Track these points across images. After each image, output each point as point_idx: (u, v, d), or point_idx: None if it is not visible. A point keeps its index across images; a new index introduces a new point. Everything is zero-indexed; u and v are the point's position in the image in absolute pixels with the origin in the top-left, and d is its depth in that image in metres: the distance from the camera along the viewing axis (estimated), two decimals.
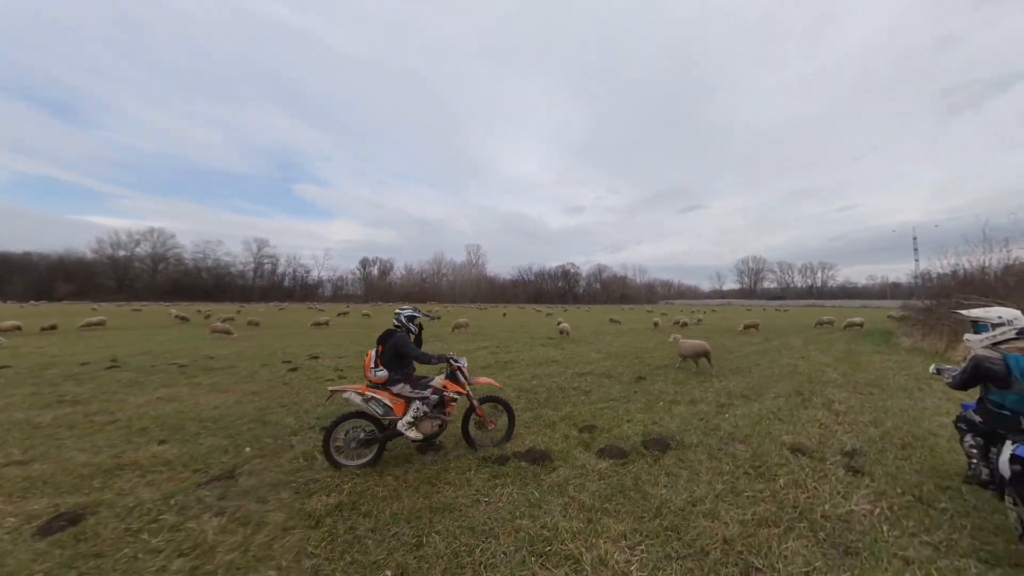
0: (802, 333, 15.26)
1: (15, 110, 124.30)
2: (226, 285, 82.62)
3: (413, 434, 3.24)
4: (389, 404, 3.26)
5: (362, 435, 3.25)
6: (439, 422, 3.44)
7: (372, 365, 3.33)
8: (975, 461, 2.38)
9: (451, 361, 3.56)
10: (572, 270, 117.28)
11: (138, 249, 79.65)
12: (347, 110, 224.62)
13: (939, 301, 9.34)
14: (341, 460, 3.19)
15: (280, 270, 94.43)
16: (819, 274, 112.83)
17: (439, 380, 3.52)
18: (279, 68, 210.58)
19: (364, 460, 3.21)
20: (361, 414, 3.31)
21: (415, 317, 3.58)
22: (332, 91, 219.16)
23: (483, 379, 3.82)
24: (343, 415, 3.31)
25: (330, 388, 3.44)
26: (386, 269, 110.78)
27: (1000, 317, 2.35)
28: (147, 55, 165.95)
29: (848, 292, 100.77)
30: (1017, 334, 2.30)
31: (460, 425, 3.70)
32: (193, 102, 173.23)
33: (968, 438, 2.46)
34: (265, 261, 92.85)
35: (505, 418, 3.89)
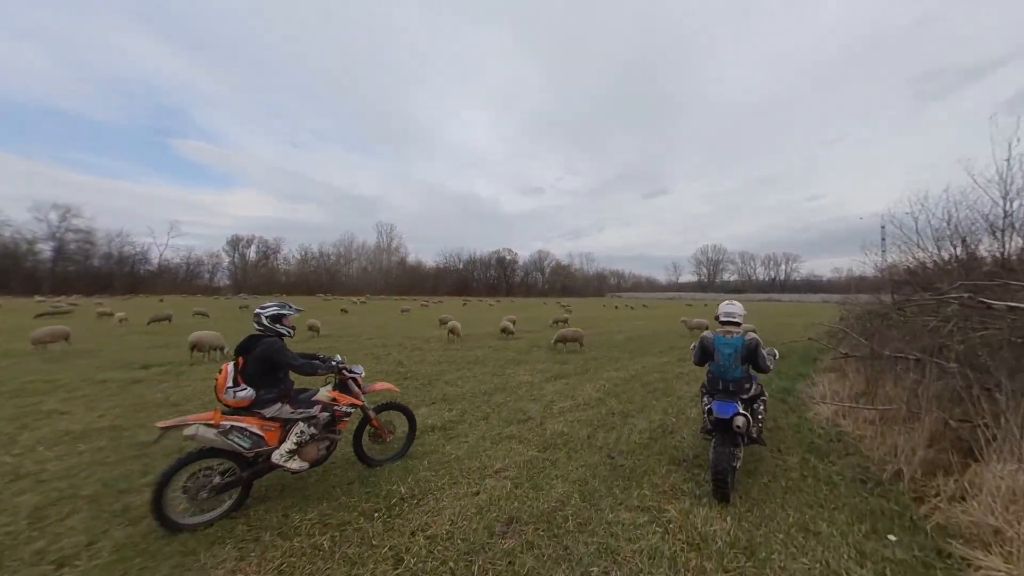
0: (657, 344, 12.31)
1: None
2: (8, 274, 62.31)
3: (296, 464, 2.88)
4: (259, 433, 2.79)
5: (217, 479, 2.69)
6: (327, 443, 3.11)
7: (229, 384, 2.77)
8: (704, 416, 3.27)
9: (343, 370, 3.26)
10: (508, 257, 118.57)
11: None
12: (247, 42, 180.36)
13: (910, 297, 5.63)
14: (183, 519, 2.57)
15: (103, 250, 75.11)
16: (783, 266, 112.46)
17: (326, 392, 3.17)
18: None
19: (219, 511, 2.69)
20: (212, 451, 2.70)
21: (284, 316, 3.05)
22: (224, 12, 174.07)
23: (379, 385, 3.61)
24: (183, 458, 2.65)
25: (159, 425, 2.62)
26: (269, 251, 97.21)
27: (719, 309, 3.41)
28: None
29: (812, 285, 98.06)
30: (720, 321, 3.36)
31: (351, 440, 3.43)
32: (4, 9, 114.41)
33: (705, 399, 3.36)
34: (72, 237, 72.66)
35: (405, 426, 3.71)
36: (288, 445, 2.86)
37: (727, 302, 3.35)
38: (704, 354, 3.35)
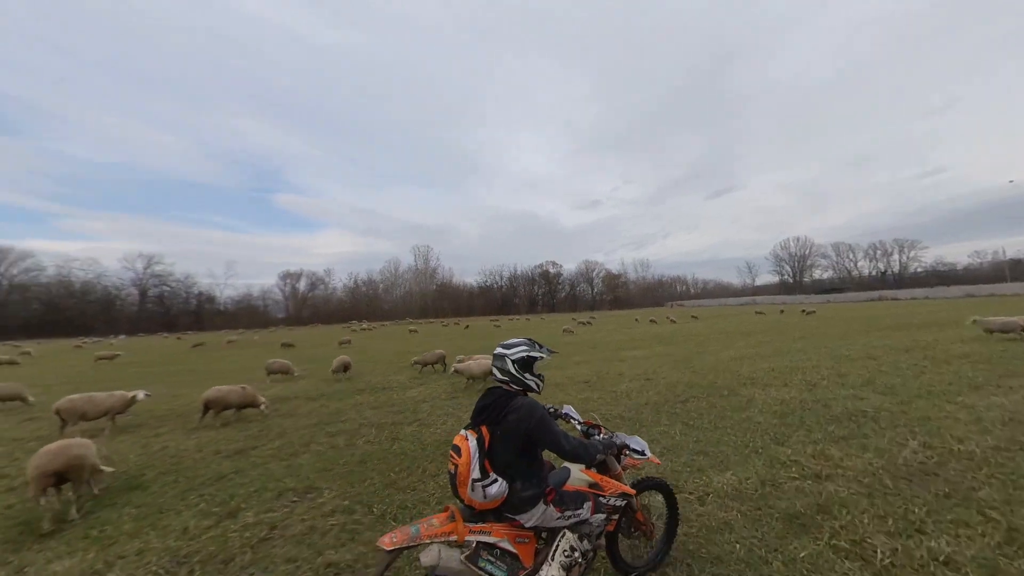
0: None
1: None
2: (110, 315, 77.46)
3: None
4: (512, 551, 1.99)
5: None
6: (592, 553, 2.29)
7: (476, 474, 1.91)
8: None
9: (627, 446, 2.51)
10: (553, 270, 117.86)
11: None
12: (329, 108, 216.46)
13: None
14: None
15: (172, 291, 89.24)
16: (896, 256, 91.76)
17: (580, 474, 2.35)
18: (248, 64, 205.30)
19: None
20: None
21: (534, 360, 2.18)
22: (310, 87, 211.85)
23: (632, 458, 2.60)
24: None
25: (384, 545, 1.79)
26: (316, 282, 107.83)
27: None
28: (92, 51, 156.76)
29: (943, 277, 79.00)
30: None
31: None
32: (147, 103, 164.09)
33: None
34: (153, 282, 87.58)
35: (663, 512, 2.86)
36: (554, 571, 2.03)
37: None
38: None
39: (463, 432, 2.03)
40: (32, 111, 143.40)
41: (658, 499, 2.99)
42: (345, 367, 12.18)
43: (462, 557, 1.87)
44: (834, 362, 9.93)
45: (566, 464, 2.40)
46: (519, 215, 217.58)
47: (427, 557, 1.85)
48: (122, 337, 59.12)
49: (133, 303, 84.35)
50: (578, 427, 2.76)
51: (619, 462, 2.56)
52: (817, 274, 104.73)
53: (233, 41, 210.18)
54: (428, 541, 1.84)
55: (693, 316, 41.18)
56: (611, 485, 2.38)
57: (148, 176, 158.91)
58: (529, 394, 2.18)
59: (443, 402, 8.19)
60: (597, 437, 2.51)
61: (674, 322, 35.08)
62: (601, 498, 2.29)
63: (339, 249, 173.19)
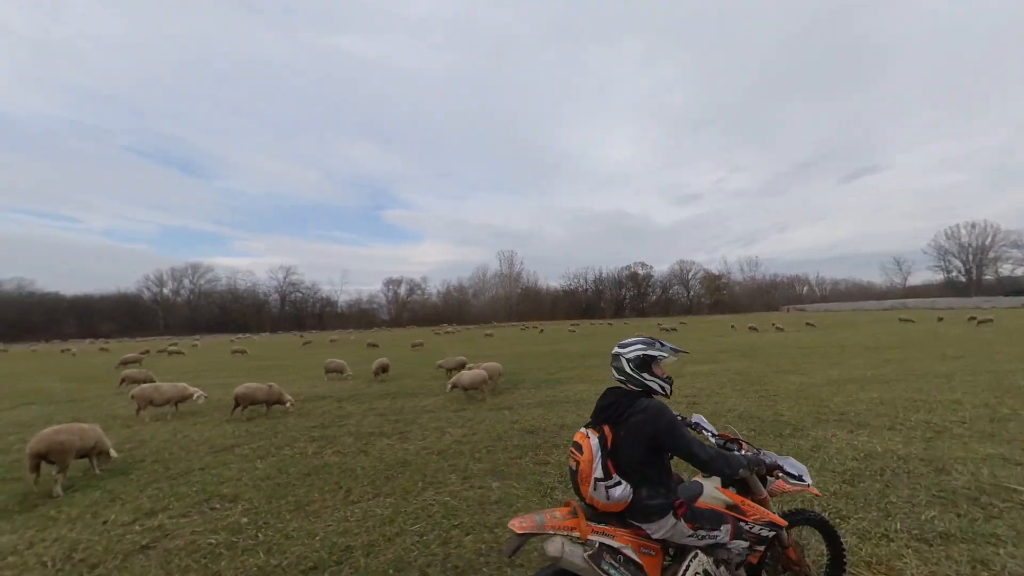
0: None
1: (155, 172, 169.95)
2: (261, 316, 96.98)
3: None
4: (636, 560, 1.90)
5: None
6: None
7: (598, 473, 1.89)
8: None
9: (780, 467, 2.12)
10: (642, 272, 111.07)
11: (189, 283, 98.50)
12: (423, 128, 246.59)
13: None
14: None
15: (301, 297, 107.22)
16: None
17: (716, 492, 2.14)
18: (360, 99, 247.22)
19: None
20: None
21: (653, 359, 2.05)
22: (407, 112, 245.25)
23: (786, 483, 2.19)
24: None
25: (516, 527, 1.88)
26: (414, 288, 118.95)
27: None
28: (247, 108, 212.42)
29: None
30: None
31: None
32: (289, 144, 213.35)
33: None
34: (291, 289, 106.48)
35: (822, 550, 2.50)
36: None
37: None
38: None
39: (584, 430, 2.00)
40: (213, 159, 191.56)
41: (814, 536, 2.54)
42: (383, 368, 12.78)
43: (585, 555, 1.84)
44: (994, 398, 6.99)
45: (697, 478, 2.24)
46: (608, 214, 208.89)
47: (552, 547, 1.86)
48: (251, 335, 72.31)
49: (275, 306, 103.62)
50: (711, 439, 2.45)
51: (764, 485, 2.22)
52: (1006, 269, 78.68)
53: (345, 82, 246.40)
54: (552, 532, 1.86)
55: (808, 323, 34.15)
56: (755, 510, 2.09)
57: (291, 203, 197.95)
58: (655, 396, 2.03)
59: (447, 413, 7.89)
60: (738, 453, 2.20)
61: (780, 330, 29.64)
62: (742, 523, 2.03)
63: (438, 258, 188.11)
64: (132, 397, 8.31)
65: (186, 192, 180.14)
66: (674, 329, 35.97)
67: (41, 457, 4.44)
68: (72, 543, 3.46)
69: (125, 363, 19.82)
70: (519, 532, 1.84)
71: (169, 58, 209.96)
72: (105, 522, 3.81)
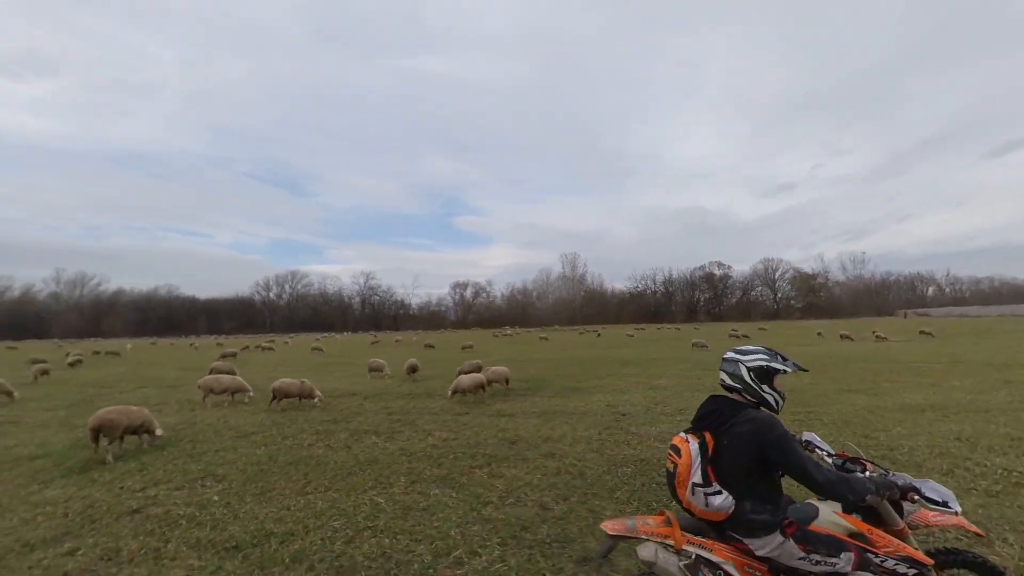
0: None
1: (267, 193, 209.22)
2: (345, 317, 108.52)
3: None
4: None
5: None
6: None
7: (696, 478, 1.85)
8: None
9: (916, 490, 1.80)
10: (719, 272, 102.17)
11: (289, 288, 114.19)
12: (495, 136, 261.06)
13: None
14: None
15: (379, 300, 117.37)
16: None
17: (837, 518, 1.91)
18: (435, 114, 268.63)
19: None
20: None
21: (776, 372, 1.95)
22: (479, 122, 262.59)
23: (938, 517, 1.99)
24: None
25: (608, 528, 1.92)
26: (480, 291, 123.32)
27: None
28: (339, 131, 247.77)
29: None
30: None
31: None
32: (373, 160, 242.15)
33: None
34: (370, 293, 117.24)
35: None
36: None
37: None
38: None
39: (683, 435, 2.01)
40: (312, 178, 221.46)
41: None
42: (413, 369, 13.56)
43: (681, 564, 1.84)
44: None
45: (811, 501, 2.07)
46: (683, 212, 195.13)
47: (645, 552, 1.88)
48: (334, 334, 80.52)
49: (357, 309, 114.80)
50: (827, 459, 2.25)
51: (901, 515, 1.93)
52: None
53: (421, 99, 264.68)
54: (645, 537, 1.90)
55: (923, 331, 28.31)
56: (887, 541, 1.83)
57: (374, 213, 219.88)
58: (763, 409, 1.99)
59: (446, 416, 8.18)
60: (862, 475, 2.01)
61: (881, 339, 25.16)
62: (870, 554, 1.80)
63: (505, 261, 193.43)
64: (198, 386, 9.94)
65: (291, 209, 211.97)
66: (746, 336, 32.44)
67: (97, 431, 5.61)
68: (92, 501, 4.35)
69: (224, 356, 23.56)
70: (611, 533, 1.91)
71: (278, 93, 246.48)
72: (122, 487, 4.70)
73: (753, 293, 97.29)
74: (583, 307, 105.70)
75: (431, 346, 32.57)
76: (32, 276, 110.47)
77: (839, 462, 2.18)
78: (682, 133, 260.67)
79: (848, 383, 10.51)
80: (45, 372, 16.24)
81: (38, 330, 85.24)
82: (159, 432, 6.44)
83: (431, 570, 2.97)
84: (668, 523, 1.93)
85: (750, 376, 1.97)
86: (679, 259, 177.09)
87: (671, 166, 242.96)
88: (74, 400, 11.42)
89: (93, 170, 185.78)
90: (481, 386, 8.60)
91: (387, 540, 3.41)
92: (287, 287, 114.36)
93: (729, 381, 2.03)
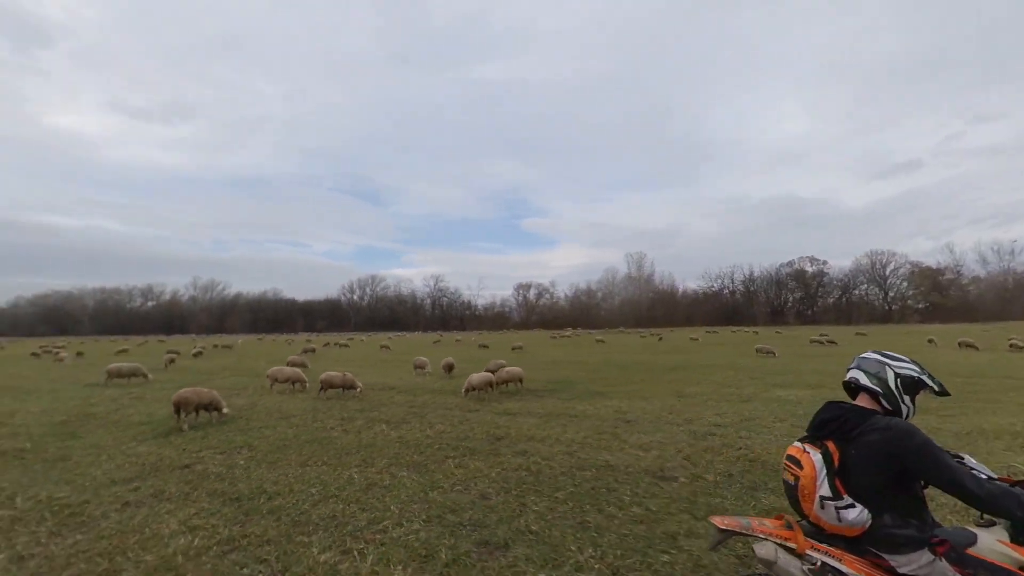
0: None
1: (352, 205, 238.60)
2: (417, 318, 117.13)
3: None
4: None
5: None
6: None
7: (824, 491, 1.74)
8: None
9: None
10: (811, 268, 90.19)
11: (369, 290, 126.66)
12: (559, 136, 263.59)
13: None
14: None
15: (447, 301, 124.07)
16: None
17: (998, 545, 1.66)
18: (499, 119, 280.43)
19: None
20: None
21: (924, 387, 1.84)
22: (543, 123, 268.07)
23: None
24: None
25: (717, 521, 1.90)
26: (543, 292, 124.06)
27: None
28: (412, 144, 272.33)
29: None
30: None
31: None
32: (443, 168, 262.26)
33: None
34: (439, 294, 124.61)
35: None
36: None
37: None
38: None
39: (800, 444, 1.91)
40: (389, 189, 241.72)
41: None
42: (449, 367, 14.54)
43: (805, 568, 1.73)
44: None
45: (965, 526, 1.81)
46: (770, 202, 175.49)
47: (763, 550, 1.80)
48: (406, 334, 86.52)
49: (427, 309, 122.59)
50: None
51: None
52: None
53: (485, 106, 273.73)
54: (762, 536, 1.84)
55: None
56: None
57: (444, 219, 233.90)
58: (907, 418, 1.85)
59: (456, 411, 8.87)
60: None
61: (1018, 349, 20.62)
62: None
63: (572, 262, 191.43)
64: (267, 376, 11.91)
65: (372, 218, 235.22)
66: (832, 342, 28.52)
67: (177, 406, 7.27)
68: (161, 457, 5.78)
69: (304, 352, 27.18)
70: (721, 527, 1.87)
71: (360, 114, 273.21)
72: (184, 449, 6.13)
73: (856, 292, 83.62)
74: (650, 309, 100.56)
75: (485, 346, 33.87)
76: (176, 283, 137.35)
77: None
78: (767, 114, 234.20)
79: (943, 401, 9.07)
80: (173, 361, 20.43)
81: (182, 327, 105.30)
82: (226, 411, 8.05)
83: (360, 532, 3.60)
84: (788, 527, 1.84)
85: (897, 383, 1.81)
86: (763, 255, 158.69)
87: (755, 152, 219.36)
88: (187, 383, 14.32)
89: (218, 195, 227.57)
90: (490, 384, 9.14)
91: (341, 506, 4.13)
92: (368, 290, 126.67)
93: (867, 382, 1.86)
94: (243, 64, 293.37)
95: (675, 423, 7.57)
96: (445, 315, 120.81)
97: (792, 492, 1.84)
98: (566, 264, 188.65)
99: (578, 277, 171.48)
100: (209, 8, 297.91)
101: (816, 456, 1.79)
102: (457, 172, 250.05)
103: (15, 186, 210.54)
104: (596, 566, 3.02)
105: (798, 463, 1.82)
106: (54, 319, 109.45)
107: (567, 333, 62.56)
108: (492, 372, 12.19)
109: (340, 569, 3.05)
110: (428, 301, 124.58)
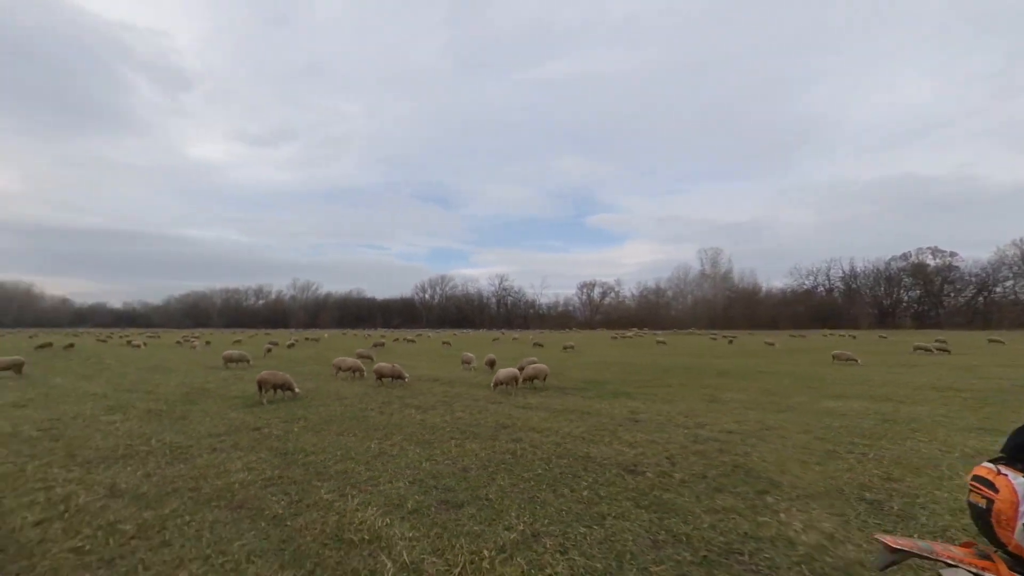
0: None
1: (426, 209, 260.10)
2: (482, 316, 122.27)
3: None
4: None
5: None
6: None
7: None
8: None
9: None
10: (935, 262, 75.53)
11: (439, 289, 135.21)
12: (626, 129, 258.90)
13: None
14: None
15: (513, 300, 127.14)
16: None
17: None
18: (564, 116, 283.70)
19: None
20: None
21: None
22: (609, 117, 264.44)
23: None
24: None
25: (888, 540, 1.80)
26: (607, 291, 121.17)
27: None
28: (479, 147, 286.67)
29: None
30: None
31: None
32: (509, 169, 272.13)
33: None
34: (504, 293, 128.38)
35: None
36: None
37: None
38: None
39: (991, 465, 1.81)
40: (459, 193, 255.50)
41: None
42: (492, 363, 15.60)
43: None
44: None
45: None
46: (883, 184, 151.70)
47: (946, 574, 1.74)
48: (471, 331, 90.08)
49: (492, 308, 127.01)
50: None
51: None
52: None
53: (549, 104, 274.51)
54: (947, 561, 1.75)
55: None
56: None
57: (510, 219, 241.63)
58: None
59: (481, 402, 9.79)
60: None
61: None
62: None
63: (642, 259, 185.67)
64: (332, 364, 14.03)
65: (444, 221, 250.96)
66: (945, 350, 24.27)
67: (260, 384, 9.24)
68: (243, 421, 7.58)
69: (374, 345, 30.42)
70: (893, 547, 1.74)
71: (431, 123, 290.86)
72: (259, 417, 7.91)
73: (998, 290, 67.73)
74: (727, 309, 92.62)
75: (539, 345, 34.63)
76: (281, 284, 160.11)
77: None
78: (878, 83, 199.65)
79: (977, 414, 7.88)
80: (270, 350, 24.47)
81: (284, 322, 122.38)
82: (297, 391, 9.93)
83: (359, 484, 4.66)
84: (983, 555, 1.73)
85: None
86: (868, 248, 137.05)
87: (864, 127, 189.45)
88: (277, 368, 17.28)
89: (313, 205, 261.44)
90: (515, 379, 9.93)
91: (353, 465, 5.27)
92: (438, 289, 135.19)
93: None
94: (327, 88, 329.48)
95: (684, 426, 7.65)
96: (510, 314, 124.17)
97: (983, 516, 1.70)
98: (635, 261, 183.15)
99: (648, 275, 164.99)
100: (295, 39, 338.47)
101: (1018, 481, 1.64)
102: (524, 172, 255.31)
103: (167, 206, 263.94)
104: (520, 528, 3.68)
105: (991, 485, 1.70)
106: (193, 314, 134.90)
107: (629, 334, 60.66)
108: (520, 369, 12.94)
109: (334, 505, 4.11)
110: (493, 300, 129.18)
